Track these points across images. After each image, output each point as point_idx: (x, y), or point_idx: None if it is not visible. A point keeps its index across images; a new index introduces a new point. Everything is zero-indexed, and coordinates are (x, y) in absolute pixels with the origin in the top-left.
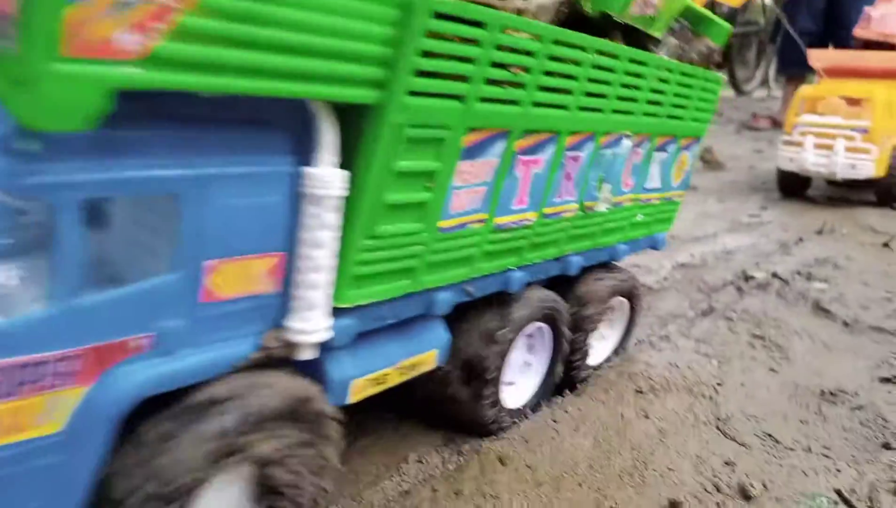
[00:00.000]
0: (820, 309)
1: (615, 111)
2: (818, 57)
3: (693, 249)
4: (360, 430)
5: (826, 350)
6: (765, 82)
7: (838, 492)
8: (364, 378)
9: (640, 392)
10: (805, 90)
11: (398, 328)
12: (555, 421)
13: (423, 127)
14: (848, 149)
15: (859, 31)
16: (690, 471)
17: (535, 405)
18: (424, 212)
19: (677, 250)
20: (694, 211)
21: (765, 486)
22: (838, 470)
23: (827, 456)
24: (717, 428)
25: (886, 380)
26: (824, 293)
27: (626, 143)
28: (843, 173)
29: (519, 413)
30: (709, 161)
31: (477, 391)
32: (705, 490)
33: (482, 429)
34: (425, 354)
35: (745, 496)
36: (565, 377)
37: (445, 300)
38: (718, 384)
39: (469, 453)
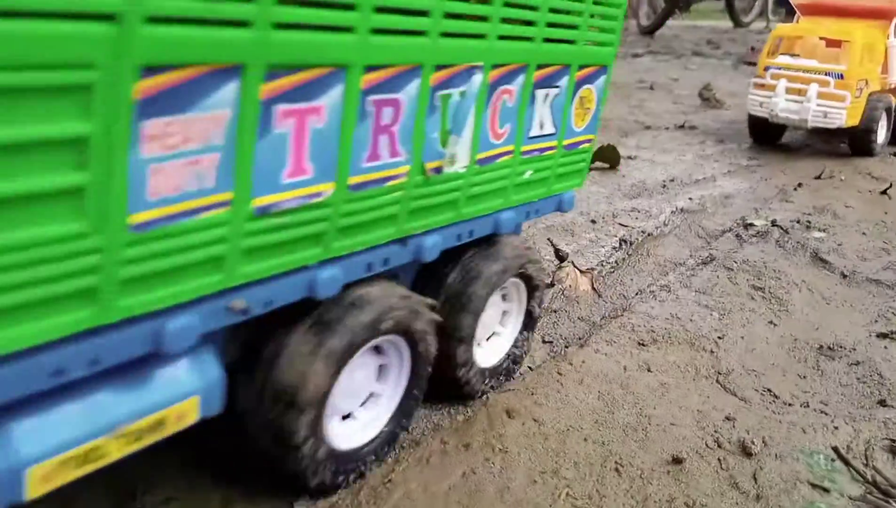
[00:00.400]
0: (819, 259)
1: (446, 34)
2: None
3: (693, 192)
4: None
5: (824, 303)
6: (763, 14)
7: (835, 449)
8: (52, 461)
9: (642, 345)
10: (780, 29)
11: (116, 375)
12: (559, 374)
13: (27, 69)
14: (821, 95)
15: None
16: (692, 426)
17: (388, 440)
18: (86, 203)
19: (677, 193)
20: (693, 152)
21: (764, 442)
22: (836, 427)
23: (825, 413)
24: (718, 382)
25: (884, 335)
26: (823, 243)
27: (479, 78)
28: (814, 122)
29: (360, 458)
30: (708, 98)
31: (288, 440)
32: (707, 445)
33: (306, 488)
34: (176, 406)
35: (746, 452)
36: (451, 390)
37: (185, 329)
38: (719, 338)
39: (476, 405)
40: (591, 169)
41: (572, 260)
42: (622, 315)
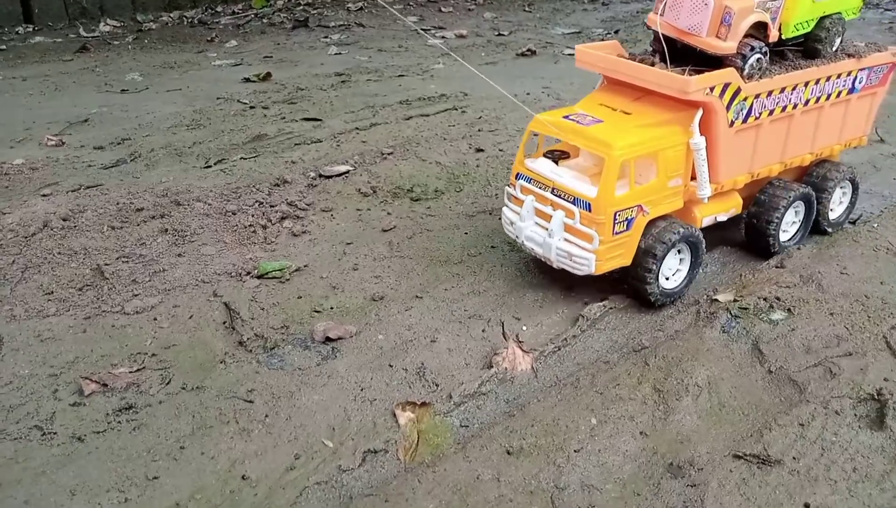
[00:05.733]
0: (756, 350)
1: None
2: (585, 57)
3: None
4: None
5: (717, 410)
6: None
7: None
8: None
9: (509, 454)
10: (535, 121)
11: None
12: (419, 482)
13: None
14: (567, 228)
15: (651, 18)
16: None
17: None
18: None
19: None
20: None
21: None
22: None
23: None
24: (551, 498)
25: (738, 457)
26: (774, 329)
27: None
28: (559, 263)
29: None
30: None
31: None
32: None
33: None
34: None
35: None
36: None
37: None
38: (577, 451)
39: None
40: None
41: (515, 338)
42: (514, 416)
